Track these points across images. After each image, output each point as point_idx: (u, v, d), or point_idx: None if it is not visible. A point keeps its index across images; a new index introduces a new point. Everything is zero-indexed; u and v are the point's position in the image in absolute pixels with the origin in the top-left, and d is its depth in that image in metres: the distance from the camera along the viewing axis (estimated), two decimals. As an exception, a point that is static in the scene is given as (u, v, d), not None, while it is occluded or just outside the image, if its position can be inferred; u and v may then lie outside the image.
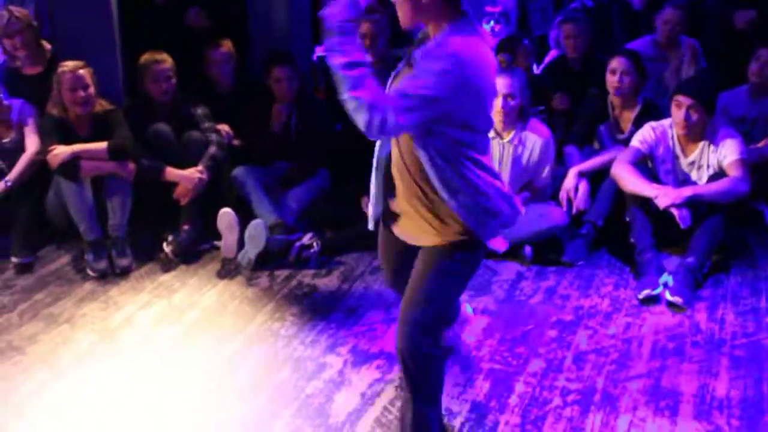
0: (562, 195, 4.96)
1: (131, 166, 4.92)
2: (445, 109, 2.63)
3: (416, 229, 2.94)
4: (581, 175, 5.01)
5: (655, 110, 5.12)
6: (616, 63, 5.14)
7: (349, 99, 2.53)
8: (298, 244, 4.84)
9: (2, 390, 3.66)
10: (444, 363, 3.20)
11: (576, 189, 4.95)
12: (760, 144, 5.14)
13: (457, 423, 3.37)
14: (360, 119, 2.54)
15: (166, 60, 5.12)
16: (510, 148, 4.85)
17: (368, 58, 2.60)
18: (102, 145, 4.83)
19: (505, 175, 4.90)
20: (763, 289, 4.44)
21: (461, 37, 2.65)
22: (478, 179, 2.78)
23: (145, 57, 5.13)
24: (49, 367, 3.84)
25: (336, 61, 2.54)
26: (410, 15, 2.74)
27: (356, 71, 2.53)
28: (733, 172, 4.54)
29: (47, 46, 5.42)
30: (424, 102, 2.57)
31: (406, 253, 3.03)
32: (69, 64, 4.82)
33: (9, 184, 4.94)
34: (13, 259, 4.81)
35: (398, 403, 3.48)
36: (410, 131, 2.70)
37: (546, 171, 4.90)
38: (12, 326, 4.19)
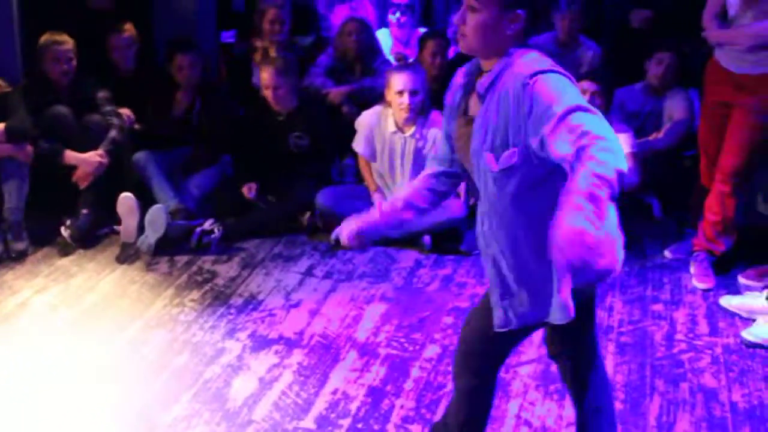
0: (461, 187, 5.05)
1: (29, 148, 4.82)
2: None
3: None
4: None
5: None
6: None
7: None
8: (198, 229, 4.83)
9: None
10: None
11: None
12: (651, 137, 5.34)
13: (353, 407, 3.43)
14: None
15: (67, 41, 5.03)
16: (412, 142, 4.94)
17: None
18: (-2, 126, 4.74)
19: (407, 169, 4.99)
20: (650, 279, 4.62)
21: (527, 55, 2.36)
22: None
23: (45, 38, 5.03)
24: (-60, 351, 3.78)
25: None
26: (485, 46, 2.40)
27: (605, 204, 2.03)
28: (624, 165, 4.71)
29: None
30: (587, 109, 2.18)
31: None
32: (-39, 46, 4.71)
33: None
34: None
35: (296, 388, 3.54)
36: None
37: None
38: None
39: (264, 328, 4.03)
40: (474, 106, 2.51)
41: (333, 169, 5.60)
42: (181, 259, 4.72)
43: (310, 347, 3.88)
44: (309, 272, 4.61)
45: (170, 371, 3.67)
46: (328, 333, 4.00)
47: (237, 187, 5.29)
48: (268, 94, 5.14)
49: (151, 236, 4.72)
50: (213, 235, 4.82)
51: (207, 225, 4.85)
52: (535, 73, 2.27)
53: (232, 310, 4.19)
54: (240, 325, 4.05)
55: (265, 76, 5.14)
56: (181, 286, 4.43)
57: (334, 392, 3.53)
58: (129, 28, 5.42)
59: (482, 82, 2.42)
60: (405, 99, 4.81)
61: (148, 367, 3.70)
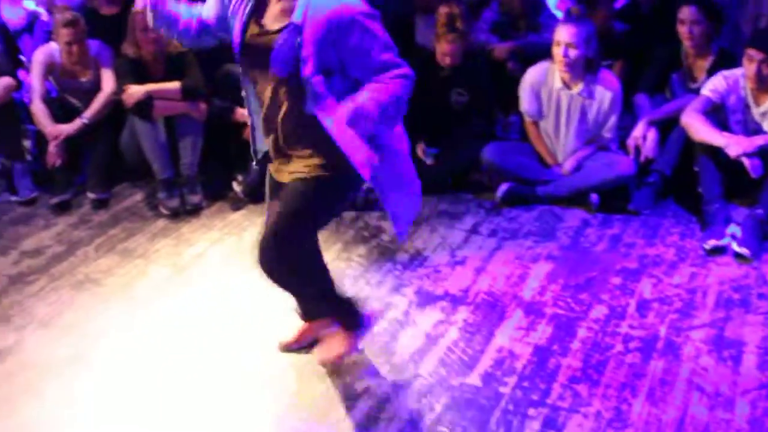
0: (631, 143, 4.91)
1: (203, 106, 5.02)
2: None
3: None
4: (651, 123, 4.96)
5: (729, 60, 5.02)
6: (684, 13, 5.02)
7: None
8: (365, 186, 4.87)
9: (83, 319, 3.84)
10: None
11: (645, 137, 4.91)
12: None
13: (519, 365, 3.43)
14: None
15: (236, 3, 5.15)
16: (579, 100, 4.82)
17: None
18: (175, 85, 4.93)
19: (572, 127, 4.88)
20: None
21: None
22: None
23: (218, -2, 5.17)
24: (125, 299, 3.99)
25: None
26: None
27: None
28: (806, 122, 4.47)
29: (124, -14, 5.50)
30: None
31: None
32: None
33: (85, 122, 5.07)
34: (90, 195, 4.96)
35: (462, 344, 3.56)
36: None
37: (612, 121, 4.87)
38: (89, 259, 4.35)
39: (429, 285, 4.06)
40: (272, 19, 2.85)
41: (497, 126, 5.55)
42: (348, 215, 4.79)
43: (476, 304, 3.88)
44: (474, 230, 4.61)
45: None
46: (494, 291, 3.99)
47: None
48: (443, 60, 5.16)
49: (319, 192, 4.80)
50: (379, 192, 4.86)
51: (373, 182, 4.89)
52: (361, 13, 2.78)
53: (398, 266, 4.24)
54: (406, 281, 4.10)
55: (445, 47, 5.11)
56: (348, 241, 4.51)
57: (500, 350, 3.54)
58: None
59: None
60: (560, 51, 4.70)
61: (317, 320, 3.79)
